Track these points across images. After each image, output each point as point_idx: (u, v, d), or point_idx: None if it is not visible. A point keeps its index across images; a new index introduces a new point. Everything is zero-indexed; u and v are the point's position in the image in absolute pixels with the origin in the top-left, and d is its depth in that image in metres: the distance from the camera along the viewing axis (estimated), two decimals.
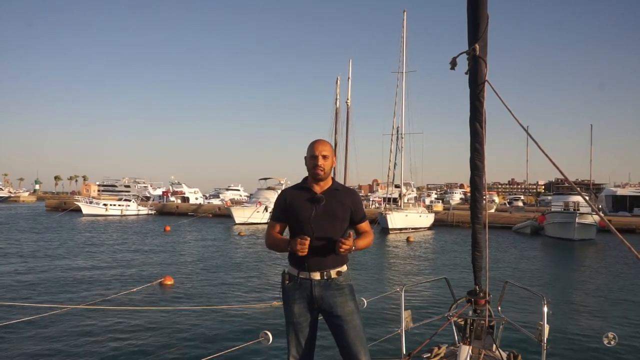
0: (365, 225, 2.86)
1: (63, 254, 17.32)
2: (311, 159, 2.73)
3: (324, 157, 2.72)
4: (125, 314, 8.56)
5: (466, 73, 2.76)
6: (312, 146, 2.75)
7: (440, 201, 68.57)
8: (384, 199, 41.73)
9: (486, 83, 2.70)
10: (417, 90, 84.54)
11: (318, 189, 2.76)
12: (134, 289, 10.76)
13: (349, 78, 40.76)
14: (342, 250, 2.54)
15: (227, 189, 74.57)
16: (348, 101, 40.54)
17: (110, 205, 47.54)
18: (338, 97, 40.89)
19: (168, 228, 30.79)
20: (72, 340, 7.06)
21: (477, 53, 2.64)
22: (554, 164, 2.28)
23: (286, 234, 2.81)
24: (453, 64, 2.68)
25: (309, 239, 2.54)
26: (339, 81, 41.17)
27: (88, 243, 21.62)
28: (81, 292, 10.78)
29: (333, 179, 2.85)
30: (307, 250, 2.54)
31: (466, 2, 2.62)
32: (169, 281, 11.82)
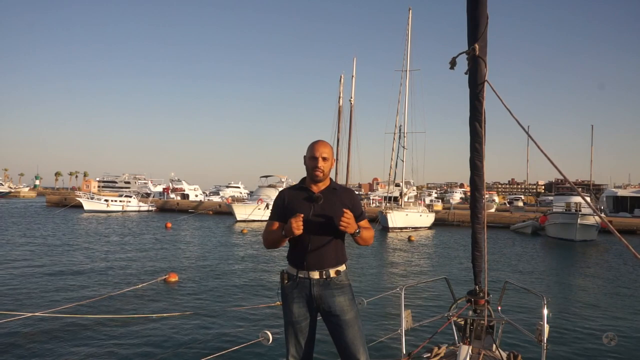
0: (364, 223, 2.85)
1: (66, 250, 17.34)
2: (311, 160, 2.73)
3: (324, 159, 2.72)
4: (129, 312, 8.57)
5: (466, 73, 2.76)
6: (313, 147, 2.74)
7: (440, 200, 68.51)
8: (385, 197, 41.66)
9: (486, 83, 2.69)
10: (420, 89, 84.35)
11: (316, 189, 2.77)
12: (139, 285, 10.79)
13: (353, 76, 40.71)
14: (342, 222, 2.53)
15: (227, 186, 74.64)
16: (351, 99, 40.48)
17: (112, 201, 47.65)
18: (341, 95, 40.90)
19: (169, 225, 30.80)
20: (74, 338, 7.07)
21: (477, 53, 2.63)
22: (553, 164, 2.28)
23: None
24: (453, 63, 2.68)
25: (302, 215, 2.55)
26: (342, 79, 41.19)
27: (90, 239, 21.63)
28: (86, 287, 10.78)
29: (331, 179, 2.86)
30: (302, 227, 2.54)
31: (466, 2, 2.61)
32: (174, 278, 11.85)
